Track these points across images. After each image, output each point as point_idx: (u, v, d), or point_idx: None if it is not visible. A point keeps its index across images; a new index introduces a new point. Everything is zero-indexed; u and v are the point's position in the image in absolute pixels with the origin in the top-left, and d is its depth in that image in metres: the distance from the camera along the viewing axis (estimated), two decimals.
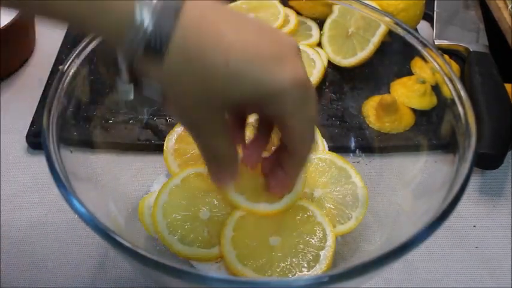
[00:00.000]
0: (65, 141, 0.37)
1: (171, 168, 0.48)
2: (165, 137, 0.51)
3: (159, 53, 0.29)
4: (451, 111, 0.40)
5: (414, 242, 0.31)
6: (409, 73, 0.50)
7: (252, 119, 0.53)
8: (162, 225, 0.43)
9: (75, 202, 0.32)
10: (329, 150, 0.52)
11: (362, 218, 0.45)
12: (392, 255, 0.30)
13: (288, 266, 0.41)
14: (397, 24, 0.46)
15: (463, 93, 0.39)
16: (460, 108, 0.39)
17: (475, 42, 0.63)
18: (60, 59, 0.63)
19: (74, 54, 0.42)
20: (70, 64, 0.41)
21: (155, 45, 0.28)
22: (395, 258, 0.30)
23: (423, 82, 0.51)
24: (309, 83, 0.32)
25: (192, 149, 0.49)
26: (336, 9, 0.57)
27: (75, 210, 0.32)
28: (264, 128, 0.40)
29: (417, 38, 0.44)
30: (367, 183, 0.47)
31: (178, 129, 0.51)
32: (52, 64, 0.63)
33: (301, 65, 0.32)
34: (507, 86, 0.56)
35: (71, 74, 0.41)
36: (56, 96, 0.39)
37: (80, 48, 0.43)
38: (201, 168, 0.46)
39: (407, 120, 0.52)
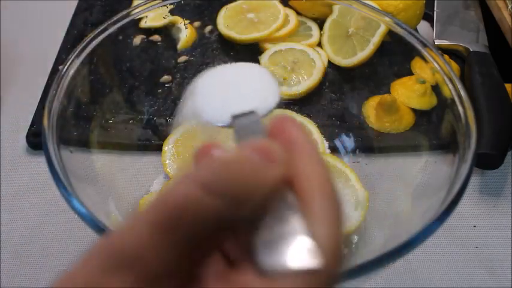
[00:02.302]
0: (65, 141, 0.37)
1: (169, 171, 0.48)
2: (165, 137, 0.51)
3: None
4: (451, 111, 0.40)
5: (414, 242, 0.31)
6: (409, 73, 0.50)
7: None
8: None
9: (76, 202, 0.32)
10: (329, 150, 0.52)
11: (362, 219, 0.45)
12: (392, 255, 0.30)
13: None
14: (397, 24, 0.46)
15: (463, 93, 0.39)
16: (460, 108, 0.39)
17: (475, 42, 0.63)
18: (60, 59, 0.63)
19: (74, 54, 0.42)
20: (70, 64, 0.41)
21: None
22: (395, 258, 0.30)
23: (423, 82, 0.51)
24: None
25: (190, 151, 0.49)
26: (336, 9, 0.57)
27: (76, 211, 0.32)
28: None
29: (417, 38, 0.44)
30: (366, 183, 0.47)
31: (177, 133, 0.51)
32: (52, 64, 0.63)
33: None
34: (507, 86, 0.56)
35: (71, 74, 0.41)
36: (56, 96, 0.39)
37: (80, 48, 0.43)
38: None
39: (407, 120, 0.52)
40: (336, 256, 0.21)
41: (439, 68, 0.42)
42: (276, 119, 0.25)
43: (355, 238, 0.45)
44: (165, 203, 0.20)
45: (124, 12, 0.47)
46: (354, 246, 0.44)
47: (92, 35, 0.44)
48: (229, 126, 0.31)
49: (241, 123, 0.30)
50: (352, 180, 0.47)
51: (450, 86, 0.40)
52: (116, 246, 0.19)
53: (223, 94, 0.35)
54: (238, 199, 0.21)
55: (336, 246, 0.21)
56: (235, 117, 0.31)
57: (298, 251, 0.20)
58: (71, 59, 0.41)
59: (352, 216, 0.45)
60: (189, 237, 0.20)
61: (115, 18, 0.46)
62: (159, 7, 0.49)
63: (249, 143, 0.23)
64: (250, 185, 0.21)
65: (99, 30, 0.44)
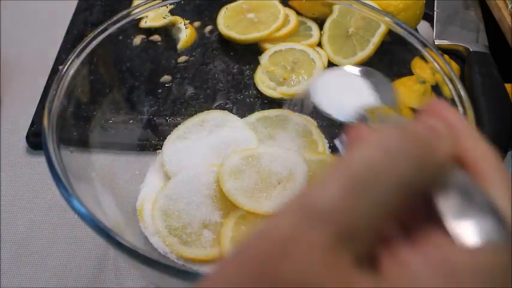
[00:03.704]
0: (64, 141, 0.37)
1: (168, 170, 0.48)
2: (165, 137, 0.51)
3: None
4: None
5: None
6: (409, 73, 0.50)
7: None
8: (161, 227, 0.43)
9: (76, 202, 0.32)
10: (329, 150, 0.52)
11: None
12: None
13: None
14: (397, 24, 0.46)
15: (463, 93, 0.39)
16: (460, 109, 0.39)
17: (475, 42, 0.63)
18: (60, 59, 0.63)
19: (74, 54, 0.42)
20: (70, 64, 0.41)
21: None
22: None
23: (423, 82, 0.51)
24: None
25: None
26: (336, 9, 0.57)
27: (76, 211, 0.32)
28: None
29: (417, 38, 0.44)
30: None
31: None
32: (52, 64, 0.63)
33: None
34: (507, 86, 0.56)
35: (71, 74, 0.41)
36: (56, 96, 0.39)
37: (80, 48, 0.43)
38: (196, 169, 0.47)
39: None
40: None
41: (439, 68, 0.42)
42: (430, 104, 0.26)
43: None
44: (349, 164, 0.20)
45: (124, 12, 0.47)
46: None
47: (92, 35, 0.44)
48: (354, 120, 0.32)
49: (379, 114, 0.30)
50: None
51: (450, 86, 0.40)
52: (312, 202, 0.20)
53: (345, 92, 0.35)
54: (421, 164, 0.21)
55: None
56: (368, 109, 0.31)
57: (491, 224, 0.20)
58: (71, 59, 0.41)
59: None
60: (378, 199, 0.20)
61: (115, 18, 0.46)
62: (159, 7, 0.49)
63: (414, 121, 0.23)
64: (429, 151, 0.21)
65: (99, 30, 0.44)
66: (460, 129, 0.24)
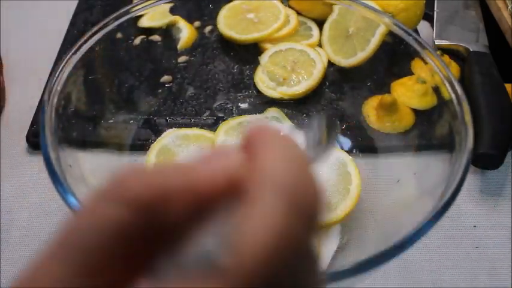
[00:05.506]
0: (64, 140, 0.37)
1: None
2: None
3: None
4: (449, 112, 0.40)
5: (406, 244, 0.31)
6: (410, 73, 0.50)
7: None
8: None
9: (72, 199, 0.32)
10: None
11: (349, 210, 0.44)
12: (384, 256, 0.30)
13: None
14: (396, 25, 0.46)
15: (461, 94, 0.39)
16: (458, 110, 0.39)
17: (475, 42, 0.63)
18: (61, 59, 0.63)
19: (71, 52, 0.42)
20: (66, 62, 0.41)
21: None
22: (387, 259, 0.30)
23: (423, 82, 0.51)
24: None
25: None
26: (336, 9, 0.57)
27: (71, 207, 0.32)
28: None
29: (416, 39, 0.44)
30: (365, 183, 0.47)
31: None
32: (52, 64, 0.63)
33: None
34: (507, 86, 0.56)
35: (68, 71, 0.41)
36: (53, 95, 0.38)
37: (76, 46, 0.42)
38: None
39: (407, 120, 0.52)
40: (258, 260, 0.16)
41: (437, 70, 0.42)
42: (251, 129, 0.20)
43: (345, 239, 0.45)
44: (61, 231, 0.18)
45: (122, 10, 0.47)
46: (343, 241, 0.44)
47: (88, 34, 0.43)
48: None
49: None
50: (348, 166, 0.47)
51: (449, 87, 0.40)
52: None
53: None
54: (147, 205, 0.18)
55: (266, 247, 0.16)
56: None
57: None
58: (68, 56, 0.41)
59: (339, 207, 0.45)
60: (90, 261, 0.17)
61: (113, 16, 0.46)
62: (157, 5, 0.49)
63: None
64: (165, 186, 0.18)
65: (95, 29, 0.44)
66: (261, 140, 0.19)
